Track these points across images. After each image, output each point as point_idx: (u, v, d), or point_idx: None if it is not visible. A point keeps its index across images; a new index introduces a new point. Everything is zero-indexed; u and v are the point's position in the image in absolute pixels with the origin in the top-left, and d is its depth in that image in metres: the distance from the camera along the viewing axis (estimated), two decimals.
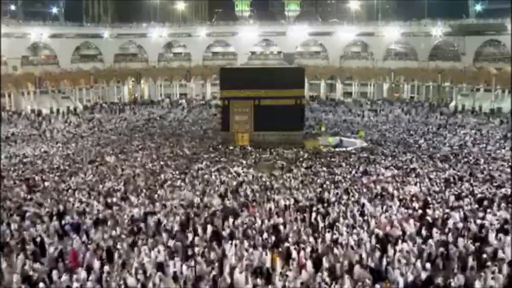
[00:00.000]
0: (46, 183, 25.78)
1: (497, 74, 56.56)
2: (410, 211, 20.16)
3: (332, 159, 32.42)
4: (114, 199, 22.58)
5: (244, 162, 31.62)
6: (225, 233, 17.96)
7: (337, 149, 36.57)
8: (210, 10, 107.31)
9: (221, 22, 78.73)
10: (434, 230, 17.71)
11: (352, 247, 16.26)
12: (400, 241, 16.76)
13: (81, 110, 58.90)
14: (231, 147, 36.81)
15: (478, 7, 69.00)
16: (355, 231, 17.95)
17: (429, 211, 20.02)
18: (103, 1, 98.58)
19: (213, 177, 27.22)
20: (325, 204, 21.31)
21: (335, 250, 16.00)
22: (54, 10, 75.65)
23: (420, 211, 20.11)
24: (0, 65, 55.64)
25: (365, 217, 19.56)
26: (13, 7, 71.16)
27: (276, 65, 58.34)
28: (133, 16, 79.32)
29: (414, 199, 22.11)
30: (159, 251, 16.13)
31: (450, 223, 18.61)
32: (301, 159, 32.71)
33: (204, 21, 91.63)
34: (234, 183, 25.79)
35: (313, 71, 64.94)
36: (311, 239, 17.20)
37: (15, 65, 60.51)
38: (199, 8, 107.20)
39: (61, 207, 20.88)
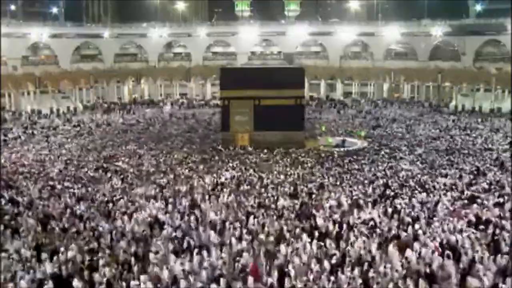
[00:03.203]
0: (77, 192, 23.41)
1: (497, 74, 56.54)
2: (464, 201, 20.33)
3: (359, 157, 32.77)
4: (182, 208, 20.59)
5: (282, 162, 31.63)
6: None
7: (337, 149, 36.64)
8: (210, 10, 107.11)
9: (221, 22, 78.61)
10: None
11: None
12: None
13: (81, 110, 58.86)
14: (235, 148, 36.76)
15: (478, 7, 68.99)
16: (436, 222, 17.89)
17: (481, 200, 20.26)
18: (103, 1, 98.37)
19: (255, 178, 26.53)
20: (388, 199, 21.35)
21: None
22: (54, 10, 75.64)
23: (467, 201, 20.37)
24: (0, 65, 55.63)
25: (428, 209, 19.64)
26: (13, 7, 71.12)
27: (276, 65, 58.23)
28: (133, 16, 79.14)
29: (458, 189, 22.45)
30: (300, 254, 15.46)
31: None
32: (330, 157, 33.04)
33: (204, 21, 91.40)
34: (286, 183, 25.15)
35: (313, 71, 64.81)
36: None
37: (15, 65, 60.55)
38: (199, 8, 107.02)
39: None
